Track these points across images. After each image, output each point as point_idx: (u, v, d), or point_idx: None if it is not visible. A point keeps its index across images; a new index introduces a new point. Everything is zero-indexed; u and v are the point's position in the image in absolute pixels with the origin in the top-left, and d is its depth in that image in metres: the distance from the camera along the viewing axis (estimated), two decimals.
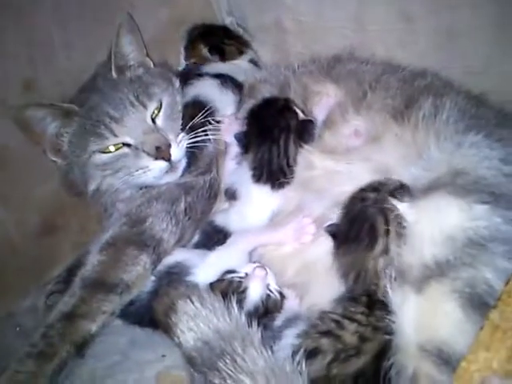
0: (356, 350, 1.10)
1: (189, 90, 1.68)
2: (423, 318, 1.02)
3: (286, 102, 1.51)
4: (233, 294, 1.25)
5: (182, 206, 1.49)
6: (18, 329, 1.52)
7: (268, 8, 1.86)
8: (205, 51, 1.83)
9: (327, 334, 1.14)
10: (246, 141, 1.51)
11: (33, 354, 1.28)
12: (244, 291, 1.28)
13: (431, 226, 1.06)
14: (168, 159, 1.48)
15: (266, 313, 1.27)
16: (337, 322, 1.15)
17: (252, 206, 1.48)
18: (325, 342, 1.12)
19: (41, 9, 1.55)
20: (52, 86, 1.59)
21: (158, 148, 1.46)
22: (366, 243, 1.19)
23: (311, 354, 1.11)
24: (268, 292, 1.29)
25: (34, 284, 1.64)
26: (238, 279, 1.30)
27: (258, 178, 1.47)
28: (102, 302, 1.34)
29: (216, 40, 1.85)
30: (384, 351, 1.08)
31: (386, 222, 1.18)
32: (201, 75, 1.73)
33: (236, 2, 1.97)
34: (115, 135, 1.47)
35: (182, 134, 1.53)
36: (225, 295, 1.24)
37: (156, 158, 1.46)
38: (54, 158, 1.55)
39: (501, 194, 1.06)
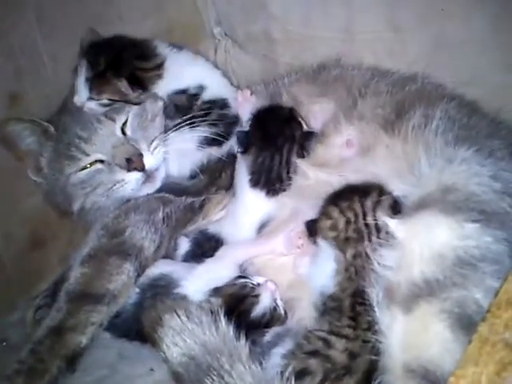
0: (347, 368, 1.09)
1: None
2: (410, 337, 1.00)
3: (291, 111, 1.51)
4: (245, 297, 1.28)
5: (160, 215, 1.49)
6: (4, 344, 1.50)
7: (256, 18, 1.85)
8: (121, 85, 1.55)
9: (315, 354, 1.12)
10: (248, 142, 1.50)
11: (22, 370, 1.27)
12: (257, 296, 1.29)
13: (420, 243, 1.04)
14: (142, 169, 1.47)
15: (268, 324, 1.29)
16: (324, 339, 1.14)
17: (245, 208, 1.49)
18: (313, 363, 1.11)
19: (25, 20, 1.54)
20: (39, 100, 1.59)
21: (128, 160, 1.45)
22: (360, 193, 1.22)
23: (299, 375, 1.09)
24: (275, 305, 1.31)
25: (21, 298, 1.62)
26: (251, 285, 1.32)
27: (255, 182, 1.47)
28: (90, 313, 1.34)
29: (130, 67, 1.57)
30: (374, 367, 1.06)
31: (380, 190, 1.23)
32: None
33: (224, 12, 1.96)
34: (87, 154, 1.47)
35: (157, 141, 1.52)
36: (233, 299, 1.28)
37: (129, 170, 1.46)
38: (34, 178, 1.56)
39: (492, 213, 1.04)
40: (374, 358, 1.07)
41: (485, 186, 1.07)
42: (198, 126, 1.57)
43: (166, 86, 1.63)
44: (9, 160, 1.53)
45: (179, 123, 1.56)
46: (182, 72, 1.66)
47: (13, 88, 1.55)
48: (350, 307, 1.15)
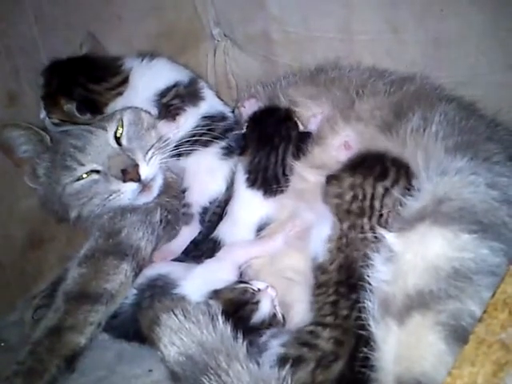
0: (334, 355, 1.12)
1: None
2: (403, 349, 0.98)
3: (287, 112, 1.53)
4: (245, 304, 1.29)
5: (158, 217, 1.51)
6: (2, 344, 1.50)
7: (255, 18, 1.85)
8: (68, 107, 1.53)
9: (306, 344, 1.16)
10: (244, 143, 1.52)
11: (21, 371, 1.27)
12: (257, 303, 1.29)
13: (414, 255, 1.02)
14: (138, 180, 1.46)
15: (266, 328, 1.29)
16: (311, 332, 1.17)
17: (242, 208, 1.50)
18: (305, 351, 1.14)
19: (24, 19, 1.55)
20: (38, 99, 1.58)
21: (124, 171, 1.45)
22: (377, 173, 1.25)
23: (295, 362, 1.12)
24: (274, 311, 1.31)
25: (19, 298, 1.62)
26: (251, 291, 1.32)
27: (252, 182, 1.48)
28: (88, 313, 1.35)
29: (80, 91, 1.54)
30: (357, 352, 1.09)
31: (398, 171, 1.25)
32: None
33: (223, 13, 1.96)
34: (82, 164, 1.48)
35: (152, 151, 1.51)
36: (232, 304, 1.28)
37: (124, 181, 1.45)
38: (31, 184, 1.56)
39: (489, 223, 1.02)
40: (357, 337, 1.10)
41: (481, 194, 1.05)
42: (208, 143, 1.58)
43: (143, 93, 1.61)
44: (6, 161, 1.53)
45: (190, 144, 1.56)
46: (160, 74, 1.64)
47: (11, 87, 1.55)
48: (334, 286, 1.19)
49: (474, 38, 1.51)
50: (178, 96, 1.61)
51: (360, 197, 1.24)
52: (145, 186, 1.48)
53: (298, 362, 1.12)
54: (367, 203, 1.23)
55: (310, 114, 1.54)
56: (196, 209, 1.54)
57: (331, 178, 1.30)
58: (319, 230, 1.28)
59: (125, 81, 1.60)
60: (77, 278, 1.39)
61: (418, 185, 1.15)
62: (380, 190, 1.23)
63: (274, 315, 1.30)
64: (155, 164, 1.51)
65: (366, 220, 1.22)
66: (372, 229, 1.20)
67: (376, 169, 1.26)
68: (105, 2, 1.74)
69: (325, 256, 1.23)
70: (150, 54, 1.67)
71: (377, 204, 1.22)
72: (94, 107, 1.55)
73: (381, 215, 1.22)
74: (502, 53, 1.50)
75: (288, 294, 1.36)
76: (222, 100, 1.76)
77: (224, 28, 2.00)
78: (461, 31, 1.52)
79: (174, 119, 1.59)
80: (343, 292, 1.18)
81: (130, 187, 1.46)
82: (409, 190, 1.19)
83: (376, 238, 1.16)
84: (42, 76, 1.56)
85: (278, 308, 1.32)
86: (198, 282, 1.37)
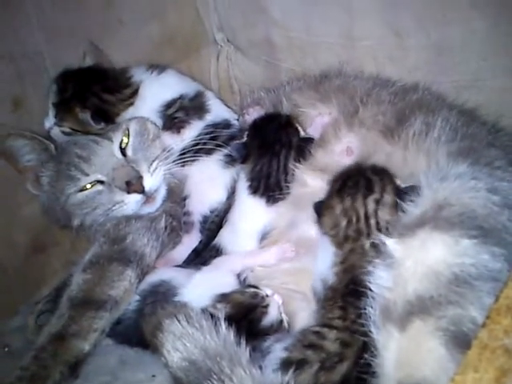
0: (339, 356, 1.12)
1: None
2: (404, 355, 0.98)
3: (288, 118, 1.53)
4: (256, 307, 1.29)
5: (162, 223, 1.51)
6: (6, 349, 1.50)
7: (258, 24, 1.86)
8: (83, 116, 1.55)
9: (310, 346, 1.15)
10: (246, 151, 1.52)
11: (25, 377, 1.27)
12: (266, 306, 1.30)
13: (415, 261, 1.02)
14: (141, 191, 1.47)
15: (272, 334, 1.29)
16: (317, 332, 1.18)
17: (244, 216, 1.50)
18: (310, 353, 1.14)
19: (26, 25, 1.55)
20: (42, 103, 1.59)
21: (128, 182, 1.46)
22: (363, 192, 1.25)
23: (299, 365, 1.12)
24: (281, 318, 1.32)
25: (23, 303, 1.62)
26: (261, 294, 1.32)
27: (254, 190, 1.48)
28: (93, 319, 1.35)
29: (94, 100, 1.57)
30: (362, 355, 1.08)
31: (382, 181, 1.25)
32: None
33: (226, 18, 1.97)
34: (86, 174, 1.48)
35: (157, 162, 1.52)
36: (243, 307, 1.28)
37: (128, 192, 1.46)
38: (34, 192, 1.57)
39: (489, 228, 1.01)
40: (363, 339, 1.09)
41: (481, 199, 1.05)
42: (212, 151, 1.59)
43: (150, 104, 1.65)
44: (9, 167, 1.54)
45: (193, 153, 1.58)
46: (167, 85, 1.67)
47: (15, 92, 1.55)
48: (341, 297, 1.20)
49: (475, 43, 1.51)
50: (183, 108, 1.64)
51: (354, 219, 1.24)
52: (148, 198, 1.49)
53: (301, 364, 1.12)
54: (362, 223, 1.23)
55: (317, 114, 1.54)
56: (197, 217, 1.55)
57: (321, 209, 1.30)
58: (323, 257, 1.28)
59: (135, 92, 1.63)
60: (81, 284, 1.39)
61: (419, 190, 1.15)
62: (372, 205, 1.23)
63: (281, 321, 1.31)
64: (159, 175, 1.52)
65: (364, 240, 1.22)
66: (373, 245, 1.19)
67: (360, 183, 1.26)
68: (106, 7, 1.74)
69: (333, 279, 1.23)
70: (159, 67, 1.70)
71: (372, 221, 1.22)
72: (107, 117, 1.58)
73: (379, 229, 1.21)
74: (504, 58, 1.50)
75: (290, 303, 1.36)
76: (228, 107, 1.77)
77: (227, 33, 2.01)
78: (463, 36, 1.52)
79: (179, 132, 1.61)
80: (351, 300, 1.18)
81: (134, 198, 1.47)
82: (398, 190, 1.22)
83: (377, 250, 1.16)
84: (54, 83, 1.58)
85: (283, 315, 1.32)
86: (198, 289, 1.36)
